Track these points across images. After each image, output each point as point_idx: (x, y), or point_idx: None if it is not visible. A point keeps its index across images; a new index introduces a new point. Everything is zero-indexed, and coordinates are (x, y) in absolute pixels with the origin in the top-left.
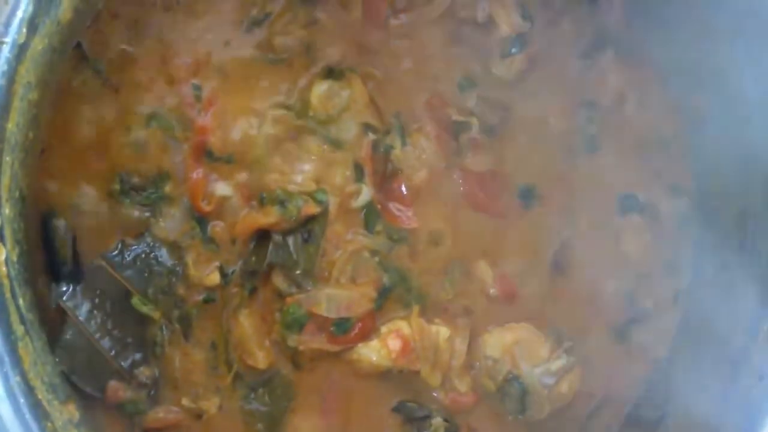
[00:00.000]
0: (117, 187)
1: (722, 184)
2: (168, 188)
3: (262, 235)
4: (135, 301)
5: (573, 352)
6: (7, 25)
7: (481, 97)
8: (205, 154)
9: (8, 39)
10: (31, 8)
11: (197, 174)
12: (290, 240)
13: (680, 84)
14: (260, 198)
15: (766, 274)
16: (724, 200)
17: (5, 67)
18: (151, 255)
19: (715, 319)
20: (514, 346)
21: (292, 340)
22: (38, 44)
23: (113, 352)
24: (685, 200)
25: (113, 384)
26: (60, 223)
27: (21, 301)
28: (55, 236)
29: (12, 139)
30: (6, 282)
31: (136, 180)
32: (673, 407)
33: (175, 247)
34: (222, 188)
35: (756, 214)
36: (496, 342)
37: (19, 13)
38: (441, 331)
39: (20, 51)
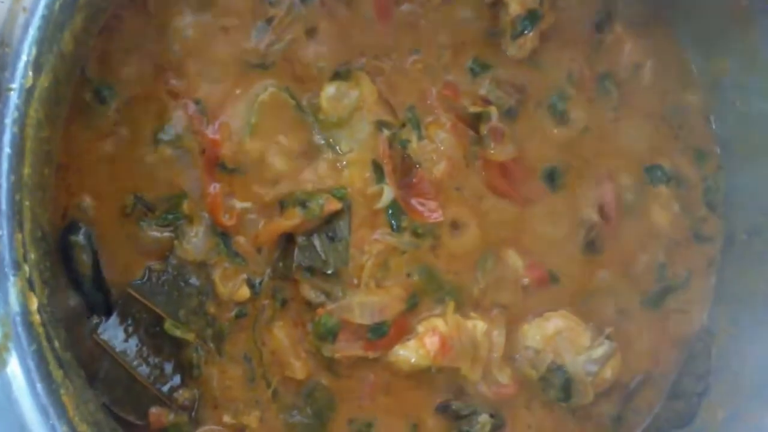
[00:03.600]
0: (131, 208)
1: (748, 146)
2: (186, 207)
3: (288, 240)
4: (168, 325)
5: (613, 336)
6: (13, 70)
7: (495, 81)
8: (218, 166)
9: (15, 85)
10: (34, 50)
11: (214, 188)
12: (316, 240)
13: (698, 50)
14: (280, 202)
15: None
16: (752, 162)
17: (16, 114)
18: (179, 277)
19: (752, 284)
20: (556, 336)
21: (327, 350)
22: (44, 82)
23: (152, 379)
24: (710, 165)
25: (155, 410)
26: (79, 238)
27: (56, 343)
28: (76, 255)
29: (29, 182)
30: (41, 330)
31: (151, 201)
32: (716, 377)
33: (201, 267)
34: (240, 200)
35: None
36: (536, 332)
37: (24, 57)
38: (478, 325)
39: (28, 94)
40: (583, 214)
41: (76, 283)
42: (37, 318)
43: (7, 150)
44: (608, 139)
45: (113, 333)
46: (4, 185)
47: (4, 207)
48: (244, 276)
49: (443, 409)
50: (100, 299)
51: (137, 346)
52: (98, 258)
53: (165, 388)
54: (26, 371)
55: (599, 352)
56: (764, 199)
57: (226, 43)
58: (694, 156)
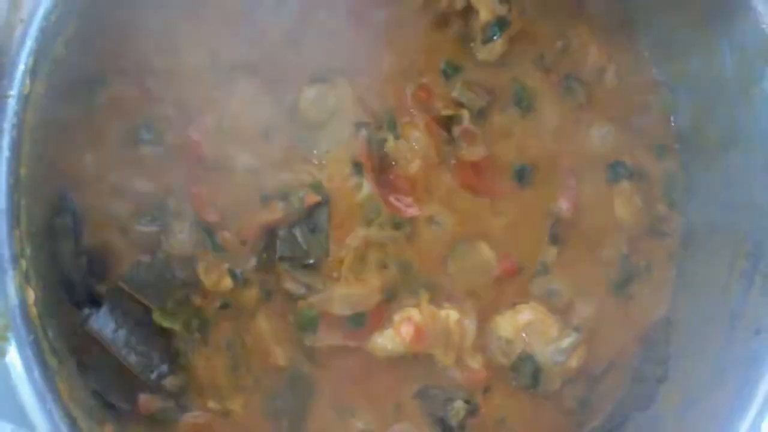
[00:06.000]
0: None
1: (706, 143)
2: (172, 204)
3: (271, 233)
4: (156, 316)
5: (580, 328)
6: (11, 78)
7: (467, 83)
8: (200, 164)
9: (14, 92)
10: (31, 59)
11: (198, 186)
12: (297, 232)
13: (659, 54)
14: (262, 197)
15: (754, 230)
16: (710, 159)
17: (14, 120)
18: (166, 270)
19: (710, 276)
20: (526, 327)
21: (309, 339)
22: (39, 88)
23: (140, 367)
24: (671, 162)
25: (144, 397)
26: (66, 221)
27: (50, 333)
28: (61, 239)
29: (25, 182)
30: (37, 321)
31: (138, 198)
32: (675, 363)
33: (187, 260)
34: (224, 196)
35: (741, 170)
36: (508, 324)
37: (21, 66)
38: (450, 314)
39: (25, 100)
40: (550, 209)
41: (63, 273)
42: (34, 310)
43: (6, 153)
44: (574, 136)
45: (104, 324)
46: (4, 186)
47: (3, 206)
48: (227, 266)
49: (421, 395)
50: (86, 290)
51: (126, 336)
52: (83, 244)
53: (153, 376)
54: (25, 359)
55: (566, 342)
56: (722, 195)
57: (208, 45)
58: (656, 153)
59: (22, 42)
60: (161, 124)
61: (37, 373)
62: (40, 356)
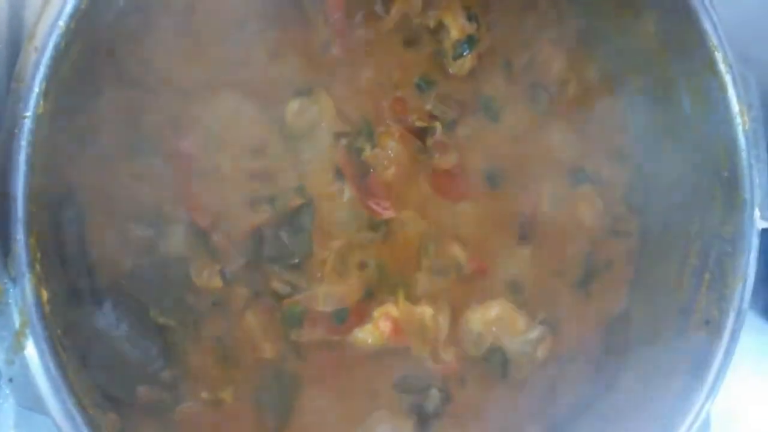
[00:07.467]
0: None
1: (660, 151)
2: (167, 210)
3: (259, 235)
4: (153, 313)
5: (546, 322)
6: (27, 101)
7: (440, 96)
8: (193, 174)
9: (29, 113)
10: (44, 83)
11: (190, 194)
12: (282, 234)
13: (617, 69)
14: (250, 201)
15: (703, 230)
16: (663, 165)
17: (30, 138)
18: (162, 271)
19: (666, 272)
20: (496, 321)
21: (295, 334)
22: (49, 107)
23: (140, 361)
24: (629, 168)
25: (142, 389)
26: (69, 214)
27: (58, 330)
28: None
29: (37, 192)
30: (51, 318)
31: (136, 207)
32: (635, 351)
33: (182, 261)
34: (215, 202)
35: (690, 178)
36: (479, 318)
37: (36, 89)
38: (425, 310)
39: (39, 120)
40: (518, 211)
41: (67, 273)
42: (47, 308)
43: (23, 167)
44: (538, 143)
45: (106, 321)
46: (20, 197)
47: (20, 215)
48: (217, 267)
49: (399, 384)
50: (88, 289)
51: (127, 332)
52: (85, 243)
53: (151, 369)
54: (41, 353)
55: (533, 335)
56: (674, 197)
57: (197, 63)
58: (615, 159)
59: (36, 68)
60: (155, 136)
61: (51, 366)
62: (53, 350)
